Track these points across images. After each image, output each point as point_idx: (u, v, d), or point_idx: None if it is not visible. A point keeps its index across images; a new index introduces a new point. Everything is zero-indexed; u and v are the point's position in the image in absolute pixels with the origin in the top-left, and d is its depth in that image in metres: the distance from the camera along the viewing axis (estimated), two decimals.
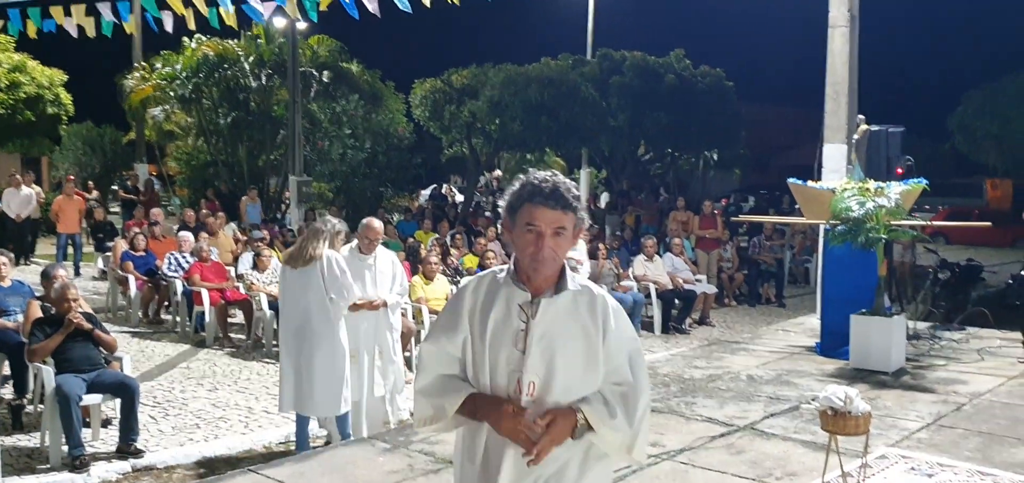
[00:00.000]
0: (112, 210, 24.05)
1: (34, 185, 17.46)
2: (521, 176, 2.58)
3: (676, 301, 12.16)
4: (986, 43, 46.48)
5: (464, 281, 2.71)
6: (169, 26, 11.61)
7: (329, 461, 5.71)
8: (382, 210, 18.51)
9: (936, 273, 12.77)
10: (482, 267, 11.35)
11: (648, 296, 12.03)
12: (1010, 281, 13.77)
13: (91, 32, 11.58)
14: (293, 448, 6.50)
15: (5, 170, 22.01)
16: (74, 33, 11.34)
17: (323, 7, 11.85)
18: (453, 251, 13.07)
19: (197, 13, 11.36)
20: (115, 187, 25.21)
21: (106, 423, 6.87)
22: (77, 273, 15.52)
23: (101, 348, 6.65)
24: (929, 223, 16.24)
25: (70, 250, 15.67)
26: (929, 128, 33.96)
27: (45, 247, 17.00)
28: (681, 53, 24.02)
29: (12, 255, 15.58)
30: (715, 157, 28.59)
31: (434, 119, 21.68)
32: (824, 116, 10.29)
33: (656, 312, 11.93)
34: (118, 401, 6.49)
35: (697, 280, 12.94)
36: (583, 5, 31.23)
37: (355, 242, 7.01)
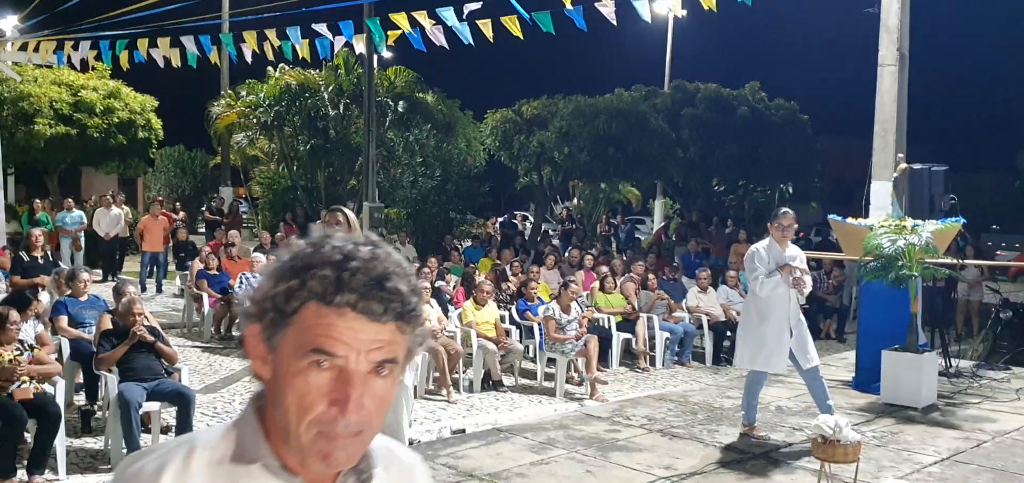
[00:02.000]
0: (200, 231, 25.31)
1: (123, 205, 18.56)
2: (306, 241, 1.27)
3: (728, 333, 12.24)
4: None
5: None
6: (248, 57, 12.43)
7: None
8: (449, 237, 19.07)
9: (998, 312, 12.58)
10: (522, 295, 11.60)
11: (700, 327, 12.16)
12: None
13: (177, 62, 12.49)
14: None
15: (103, 189, 23.46)
16: (161, 63, 12.24)
17: (391, 41, 12.50)
18: (511, 278, 13.43)
19: (273, 47, 12.16)
20: (204, 209, 26.49)
21: (166, 430, 7.44)
22: (159, 290, 16.47)
23: (162, 359, 7.24)
24: (1014, 264, 15.94)
25: (154, 268, 16.60)
26: (1004, 165, 33.02)
27: (132, 265, 18.06)
28: (756, 85, 24.04)
29: (101, 271, 16.80)
30: (790, 190, 28.35)
31: (504, 148, 22.20)
32: (872, 153, 10.35)
33: (707, 343, 12.04)
34: (176, 409, 7.04)
35: None
36: (662, 38, 31.59)
37: None
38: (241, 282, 12.38)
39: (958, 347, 11.30)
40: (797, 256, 6.88)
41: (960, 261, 9.36)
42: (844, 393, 8.65)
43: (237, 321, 12.61)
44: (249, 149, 24.52)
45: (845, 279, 15.34)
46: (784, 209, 7.06)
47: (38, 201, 18.57)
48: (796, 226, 7.00)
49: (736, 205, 28.18)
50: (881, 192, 9.81)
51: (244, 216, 27.45)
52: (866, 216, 9.79)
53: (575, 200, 32.22)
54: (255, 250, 14.36)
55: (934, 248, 7.91)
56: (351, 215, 5.09)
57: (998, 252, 24.46)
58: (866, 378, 8.63)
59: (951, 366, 9.56)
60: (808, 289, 6.83)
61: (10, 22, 18.71)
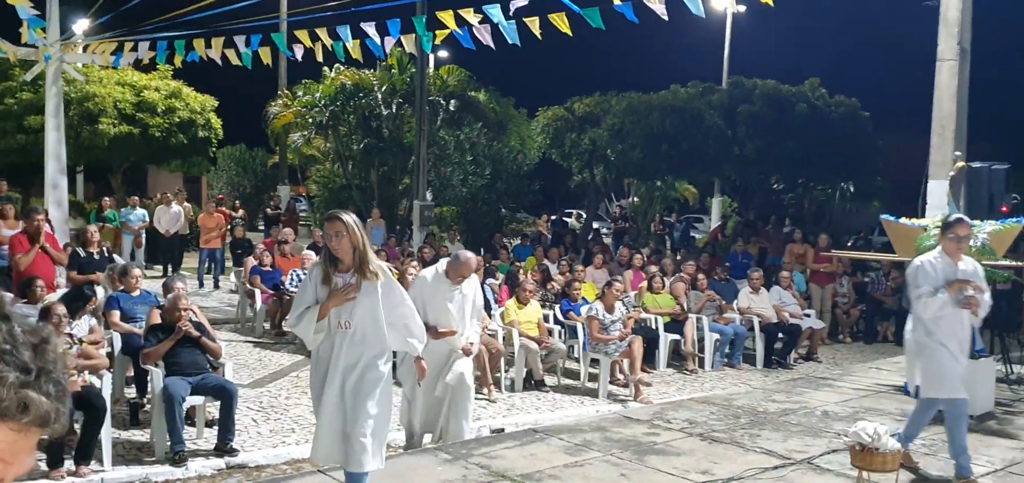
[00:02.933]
0: (259, 228, 25.78)
1: (184, 203, 18.98)
2: None
3: (780, 335, 12.02)
4: None
5: None
6: (299, 55, 12.60)
7: (391, 467, 6.14)
8: (498, 235, 19.08)
9: None
10: (567, 296, 11.52)
11: (752, 329, 11.95)
12: None
13: (234, 60, 12.73)
14: None
15: (168, 187, 24.04)
16: (219, 62, 12.50)
17: (438, 41, 12.54)
18: (556, 277, 13.34)
19: (325, 46, 12.32)
20: (266, 208, 27.00)
21: (210, 423, 7.58)
22: (216, 286, 16.80)
23: (207, 354, 7.38)
24: None
25: (211, 264, 16.95)
26: None
27: (192, 261, 18.47)
28: (816, 82, 23.55)
29: (161, 267, 17.19)
30: (851, 188, 27.72)
31: (556, 146, 22.13)
32: (929, 151, 10.03)
33: (758, 345, 11.82)
34: (219, 403, 7.16)
35: (805, 314, 12.73)
36: (720, 34, 31.19)
37: (442, 267, 7.34)
38: (292, 279, 12.56)
39: (1021, 353, 10.91)
40: (972, 271, 6.01)
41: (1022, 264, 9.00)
42: (895, 398, 8.41)
43: (288, 317, 12.81)
44: (305, 148, 24.90)
45: (904, 281, 14.90)
46: (958, 216, 6.22)
47: (107, 199, 19.09)
48: (969, 236, 6.17)
49: (795, 204, 27.66)
50: (937, 191, 9.51)
51: (302, 214, 27.90)
52: (923, 216, 9.49)
53: (632, 198, 32.01)
54: (308, 247, 14.55)
55: (991, 250, 7.62)
56: (351, 221, 4.93)
57: None
58: None
59: (1011, 372, 9.21)
60: (984, 311, 5.97)
61: (81, 24, 19.30)
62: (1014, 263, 8.22)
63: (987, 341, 9.55)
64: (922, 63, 10.50)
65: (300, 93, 22.58)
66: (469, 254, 7.48)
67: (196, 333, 7.26)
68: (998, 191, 8.85)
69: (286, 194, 25.90)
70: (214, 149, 24.12)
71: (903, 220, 8.68)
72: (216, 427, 7.30)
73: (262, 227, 24.72)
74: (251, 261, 13.63)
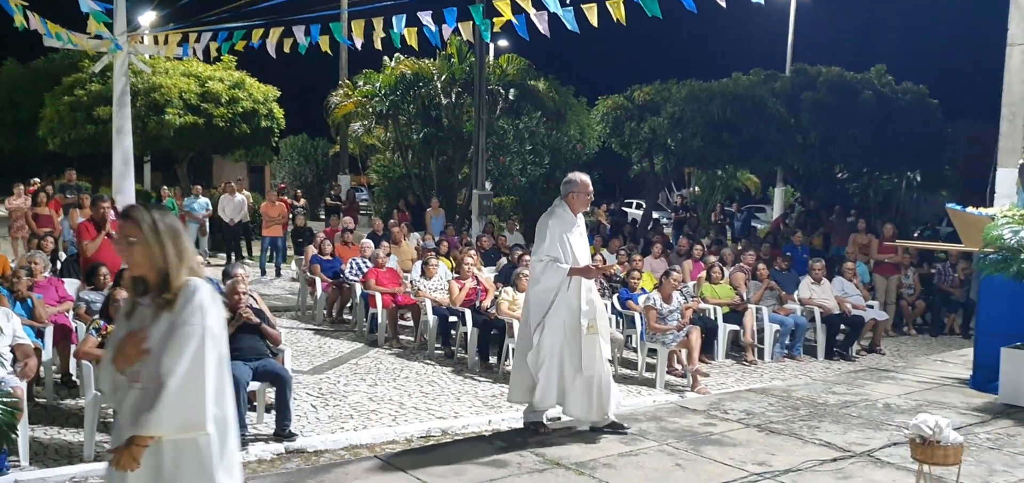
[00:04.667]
0: (321, 217, 26.18)
1: (247, 192, 19.36)
2: None
3: (842, 326, 11.79)
4: None
5: None
6: (358, 44, 12.74)
7: (447, 453, 6.21)
8: None
9: None
10: (625, 283, 11.49)
11: (813, 320, 11.75)
12: None
13: (287, 49, 12.91)
14: (432, 442, 6.99)
15: (233, 176, 24.56)
16: (273, 52, 12.70)
17: (497, 28, 12.55)
18: (618, 266, 13.27)
19: (381, 36, 12.42)
20: (327, 197, 27.41)
21: (268, 408, 7.72)
22: (277, 274, 17.12)
23: (267, 341, 7.52)
24: None
25: (273, 252, 17.26)
26: None
27: (256, 250, 18.83)
28: (882, 69, 22.96)
29: (225, 255, 17.55)
30: (918, 177, 27.00)
31: (615, 135, 21.99)
32: (999, 139, 9.73)
33: (820, 337, 11.60)
34: (275, 389, 7.29)
35: (869, 306, 12.47)
36: (784, 20, 30.65)
37: (558, 203, 6.79)
38: (351, 267, 12.73)
39: None
40: None
41: None
42: (961, 392, 8.20)
43: (348, 305, 13.03)
44: (366, 138, 25.18)
45: (973, 273, 14.51)
46: None
47: (165, 188, 19.58)
48: None
49: (859, 193, 27.05)
50: (1006, 180, 9.23)
51: (362, 203, 28.24)
52: (991, 205, 9.22)
53: (693, 187, 31.65)
54: (367, 236, 14.74)
55: None
56: (151, 221, 3.31)
57: None
58: (984, 377, 8.14)
59: None
60: None
61: (148, 17, 19.81)
62: None
63: None
64: (993, 47, 10.17)
65: (360, 83, 22.84)
66: (580, 174, 6.88)
67: (256, 320, 7.40)
68: None
69: (346, 183, 26.27)
70: (277, 139, 24.57)
71: (970, 209, 8.44)
72: (273, 413, 7.46)
73: (323, 216, 25.09)
74: (312, 250, 13.86)
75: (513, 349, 9.46)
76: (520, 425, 6.87)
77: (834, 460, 6.05)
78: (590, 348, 6.43)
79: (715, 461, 6.02)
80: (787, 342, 11.43)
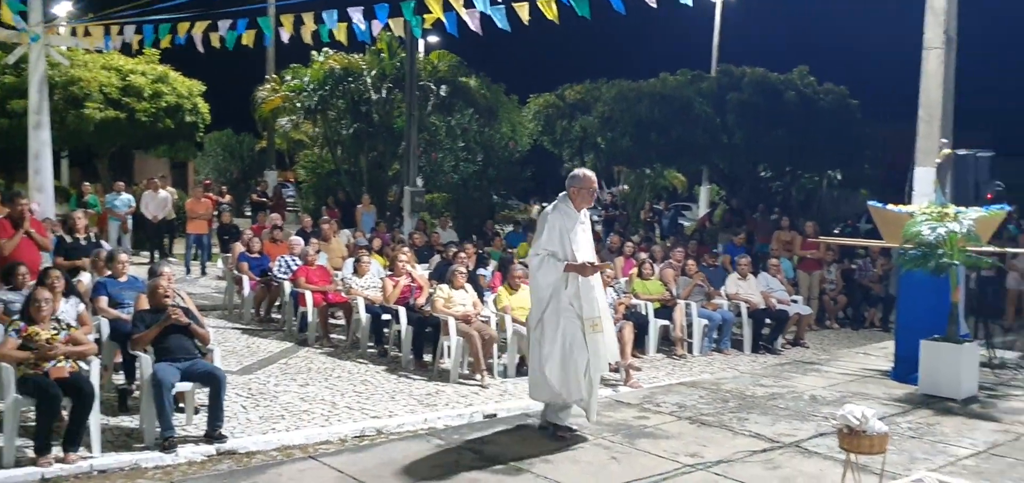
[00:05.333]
0: (246, 214, 25.68)
1: (170, 188, 18.88)
2: None
3: (767, 321, 12.08)
4: None
5: None
6: (285, 38, 12.54)
7: (384, 453, 6.16)
8: (490, 222, 19.07)
9: None
10: None
11: (739, 314, 12.01)
12: None
13: (215, 43, 12.66)
14: (367, 442, 6.91)
15: (154, 173, 23.89)
16: (200, 47, 12.43)
17: (428, 24, 12.50)
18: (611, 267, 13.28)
19: (310, 31, 12.26)
20: (253, 194, 26.91)
21: (198, 410, 7.55)
22: (203, 272, 16.74)
23: (196, 340, 7.35)
24: None
25: (198, 250, 16.87)
26: None
27: (180, 247, 18.38)
28: (805, 70, 23.56)
29: (148, 253, 17.11)
30: (839, 177, 27.81)
31: (547, 133, 22.13)
32: (916, 139, 10.09)
33: (746, 331, 11.87)
34: (208, 389, 7.13)
35: (793, 301, 12.81)
36: (710, 21, 31.22)
37: (562, 197, 6.67)
38: (280, 265, 12.53)
39: (1005, 338, 11.03)
40: None
41: (1008, 250, 9.09)
42: (882, 383, 8.49)
43: (276, 303, 12.81)
44: (294, 133, 24.80)
45: (892, 267, 15.01)
46: None
47: (87, 184, 18.96)
48: None
49: (782, 192, 27.74)
50: (924, 178, 9.58)
51: (289, 200, 27.81)
52: (909, 203, 9.55)
53: (622, 186, 32.00)
54: (295, 233, 14.52)
55: (976, 236, 7.69)
56: None
57: None
58: (905, 369, 8.44)
59: (995, 357, 9.31)
60: None
61: (64, 7, 19.12)
62: (998, 249, 8.28)
63: (971, 326, 9.65)
64: (915, 51, 10.54)
65: (288, 77, 22.47)
66: (584, 169, 6.79)
67: (185, 320, 7.23)
68: (983, 178, 8.94)
69: (273, 179, 25.84)
70: (201, 134, 23.97)
71: (890, 207, 8.74)
72: (205, 413, 7.30)
73: (249, 213, 24.62)
74: (239, 247, 13.59)
75: (449, 347, 9.47)
76: (461, 420, 6.86)
77: (764, 451, 6.20)
78: (594, 347, 6.36)
79: (649, 454, 6.11)
80: (715, 336, 11.67)
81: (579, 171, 6.67)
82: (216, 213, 17.29)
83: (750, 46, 30.81)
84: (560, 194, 6.64)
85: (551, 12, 10.35)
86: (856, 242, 14.60)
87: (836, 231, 22.66)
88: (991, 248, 8.10)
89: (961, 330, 8.03)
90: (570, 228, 6.43)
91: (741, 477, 5.63)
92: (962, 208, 8.02)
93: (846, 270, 15.16)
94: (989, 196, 8.83)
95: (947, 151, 8.93)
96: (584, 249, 6.51)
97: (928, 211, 7.99)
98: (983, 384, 8.23)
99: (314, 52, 21.87)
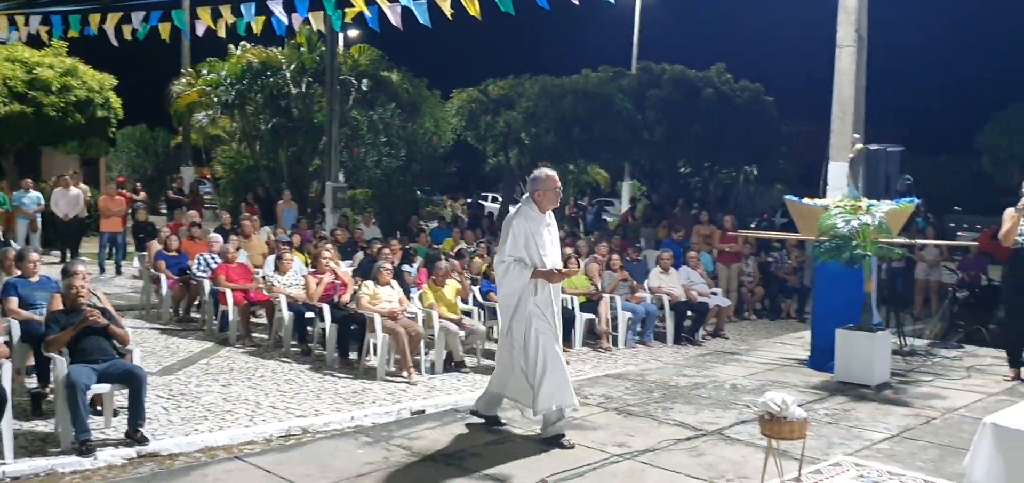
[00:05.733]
0: (162, 212, 25.00)
1: (82, 185, 18.25)
2: None
3: (689, 313, 12.34)
4: (1019, 60, 45.27)
5: None
6: (200, 31, 12.24)
7: (311, 451, 6.09)
8: (415, 218, 18.98)
9: (955, 292, 12.78)
10: (486, 275, 11.66)
11: (662, 307, 12.23)
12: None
13: (127, 36, 12.28)
14: (293, 441, 6.82)
15: (64, 169, 23.01)
16: (113, 39, 12.05)
17: (348, 19, 12.36)
18: (478, 259, 13.33)
19: (227, 24, 11.99)
20: (170, 191, 26.22)
21: (117, 413, 7.33)
22: (118, 271, 16.26)
23: (114, 340, 7.13)
24: (971, 244, 16.23)
25: (112, 249, 16.37)
26: (965, 147, 33.40)
27: (92, 246, 17.79)
28: (722, 67, 24.11)
29: (59, 252, 16.52)
30: (755, 172, 28.54)
31: (471, 129, 22.14)
32: (830, 135, 10.43)
33: (669, 323, 12.10)
34: (127, 390, 6.93)
35: (713, 293, 13.11)
36: (630, 19, 31.63)
37: (526, 200, 6.51)
38: (199, 263, 12.25)
39: (914, 326, 11.50)
40: None
41: (917, 241, 9.49)
42: (800, 371, 8.78)
43: (196, 302, 12.52)
44: (210, 128, 24.28)
45: (806, 259, 15.50)
46: None
47: None
48: None
49: (701, 187, 28.35)
50: (837, 173, 9.91)
51: (206, 196, 27.18)
52: (824, 197, 9.87)
53: None
54: (214, 231, 14.21)
55: (887, 228, 8.01)
56: None
57: (958, 233, 24.80)
58: (821, 357, 8.75)
59: (905, 345, 9.72)
60: None
61: None
62: (908, 241, 8.64)
63: (883, 316, 10.04)
64: (827, 50, 10.89)
65: (205, 71, 21.98)
66: (545, 169, 6.58)
67: (103, 321, 7.01)
68: (893, 172, 9.29)
69: (190, 176, 25.24)
70: (113, 129, 23.20)
71: (806, 201, 9.02)
72: (125, 416, 7.09)
73: (165, 211, 23.98)
74: (156, 245, 13.24)
75: (375, 344, 9.40)
76: (389, 417, 6.82)
77: (688, 439, 6.35)
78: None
79: (578, 445, 6.18)
80: (639, 329, 11.87)
81: (540, 171, 6.49)
82: (131, 211, 16.81)
83: (669, 44, 31.41)
84: (523, 197, 6.45)
85: (474, 8, 10.35)
86: (773, 235, 15.02)
87: (753, 225, 23.26)
88: (901, 240, 8.44)
89: (874, 319, 8.35)
90: (536, 232, 6.24)
91: (667, 465, 5.75)
92: (874, 201, 8.34)
93: (763, 263, 15.59)
94: (898, 190, 9.19)
95: (859, 146, 9.26)
96: (551, 253, 6.35)
97: (842, 204, 8.28)
98: (895, 371, 8.58)
99: (231, 46, 21.44)
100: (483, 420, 6.66)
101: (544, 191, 6.33)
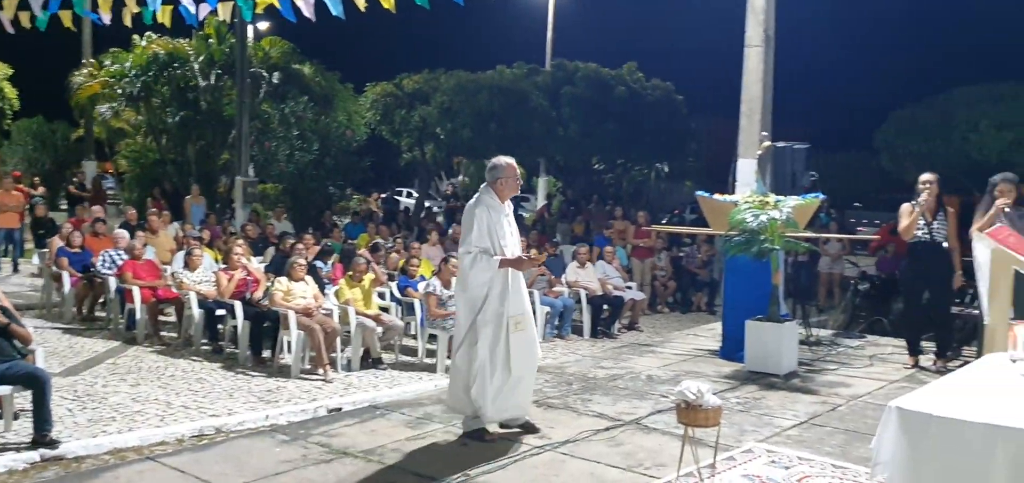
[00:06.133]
0: (61, 207, 24.03)
1: None
2: None
3: (605, 306, 12.52)
4: (916, 62, 47.52)
5: None
6: (107, 20, 11.78)
7: (226, 450, 5.97)
8: (328, 213, 18.73)
9: (857, 285, 13.30)
10: (404, 270, 11.60)
11: (579, 301, 12.38)
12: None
13: (26, 24, 11.72)
14: (206, 441, 6.66)
15: None
16: (8, 27, 11.49)
17: (260, 9, 12.08)
18: (394, 255, 13.24)
19: (132, 13, 11.57)
20: (72, 186, 25.25)
21: (18, 415, 7.03)
22: (15, 269, 15.60)
23: (15, 341, 6.84)
24: (873, 238, 16.94)
25: (9, 246, 15.72)
26: (865, 145, 34.73)
27: None
28: (633, 66, 24.45)
29: None
30: (666, 169, 29.09)
31: (385, 123, 21.94)
32: (738, 132, 10.73)
33: (586, 317, 12.26)
34: (30, 393, 6.65)
35: (628, 287, 13.33)
36: (543, 16, 31.81)
37: (484, 190, 6.34)
38: (103, 260, 11.84)
39: (819, 317, 11.94)
40: None
41: (821, 236, 9.85)
42: (712, 362, 9.02)
43: (100, 300, 12.09)
44: (114, 121, 23.42)
45: (715, 254, 15.91)
46: None
47: None
48: None
49: (614, 183, 28.76)
50: (746, 169, 10.19)
51: (110, 191, 26.28)
52: (733, 193, 10.14)
53: (462, 177, 32.16)
54: (119, 227, 13.73)
55: (794, 223, 8.29)
56: None
57: (859, 228, 25.79)
58: (732, 347, 9.00)
59: (811, 335, 10.08)
60: None
61: None
62: (813, 235, 8.96)
63: (789, 307, 10.38)
64: (735, 49, 11.18)
65: (108, 62, 21.20)
66: (504, 157, 6.40)
67: (4, 320, 6.71)
68: (799, 169, 9.61)
69: (92, 170, 24.29)
70: (8, 121, 22.23)
71: (716, 196, 9.26)
72: (27, 418, 6.81)
73: (65, 206, 23.07)
74: (57, 242, 12.73)
75: (289, 342, 9.25)
76: (305, 415, 6.72)
77: (607, 429, 6.45)
78: (518, 346, 6.12)
79: (499, 438, 6.21)
80: (557, 323, 11.98)
81: (500, 159, 6.34)
82: (28, 206, 16.14)
83: (582, 42, 31.69)
84: (482, 186, 6.37)
85: (388, 1, 10.26)
86: (685, 230, 15.37)
87: (664, 220, 23.76)
88: (807, 233, 8.75)
89: (781, 310, 8.64)
90: (496, 221, 6.15)
91: (587, 455, 5.83)
92: (781, 197, 8.61)
93: (675, 257, 15.93)
94: (804, 186, 9.51)
95: (767, 144, 9.55)
96: (511, 243, 6.27)
97: (751, 200, 8.53)
98: (802, 360, 8.89)
99: (136, 36, 20.76)
100: (516, 430, 6.36)
101: (505, 180, 6.25)
